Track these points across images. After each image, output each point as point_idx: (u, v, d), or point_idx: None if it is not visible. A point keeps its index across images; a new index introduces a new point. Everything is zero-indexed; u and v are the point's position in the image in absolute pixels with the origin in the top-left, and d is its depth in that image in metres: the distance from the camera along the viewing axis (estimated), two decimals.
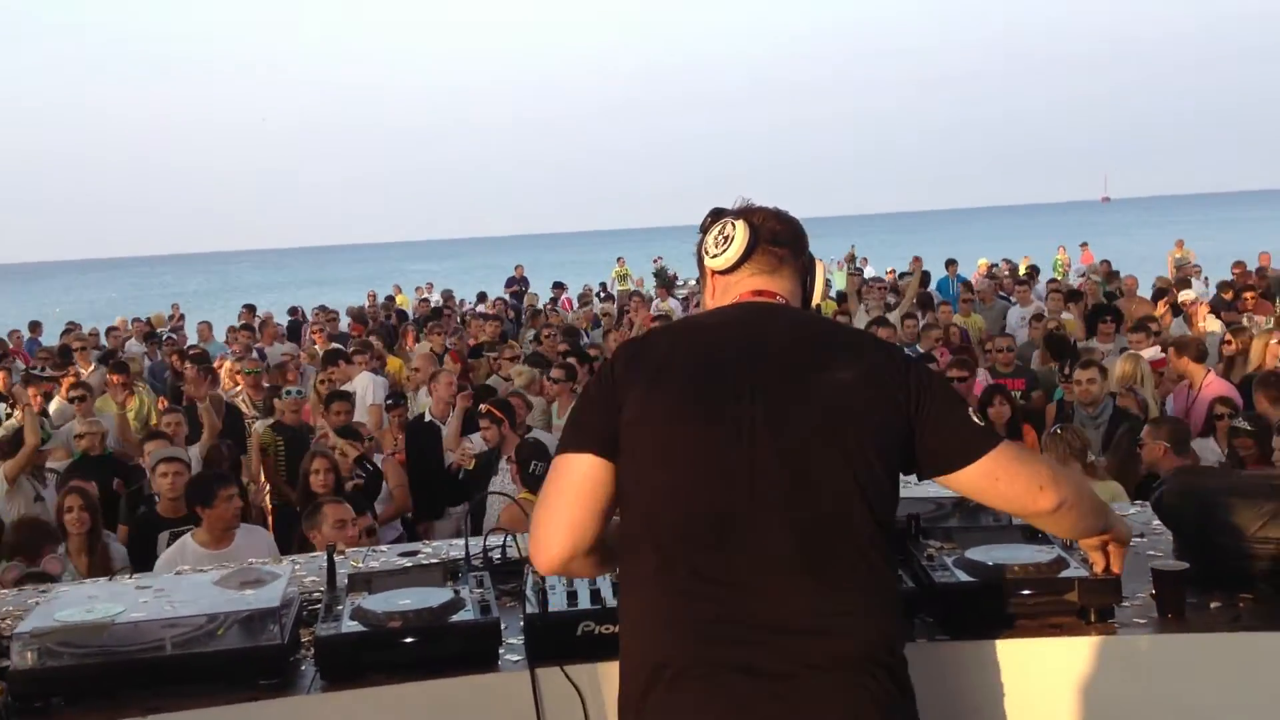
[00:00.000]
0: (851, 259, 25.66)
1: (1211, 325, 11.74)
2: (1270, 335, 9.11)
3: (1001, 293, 16.72)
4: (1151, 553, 2.96)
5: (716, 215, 2.35)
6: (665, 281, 21.69)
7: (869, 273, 25.79)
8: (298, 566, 3.35)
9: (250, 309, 19.82)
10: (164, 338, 16.49)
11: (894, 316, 13.39)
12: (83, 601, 2.55)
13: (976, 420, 2.17)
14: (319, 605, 2.78)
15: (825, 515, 2.01)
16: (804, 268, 2.35)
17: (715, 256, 2.30)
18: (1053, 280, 17.39)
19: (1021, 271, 22.10)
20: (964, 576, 2.59)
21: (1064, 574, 2.56)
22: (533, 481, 6.07)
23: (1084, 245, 28.12)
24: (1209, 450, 6.67)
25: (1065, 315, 11.98)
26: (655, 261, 24.51)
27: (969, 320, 12.54)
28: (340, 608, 2.61)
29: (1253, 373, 8.33)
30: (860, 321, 12.80)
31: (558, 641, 2.50)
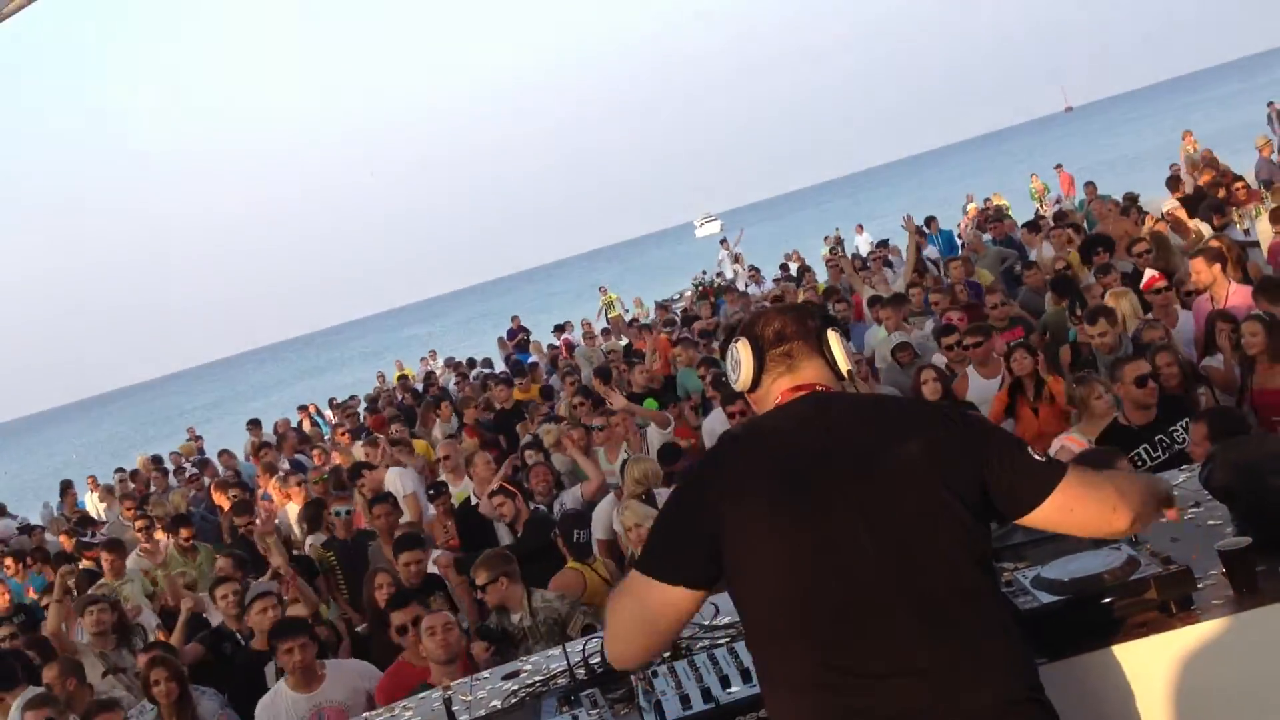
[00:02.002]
0: (839, 241, 25.64)
1: (1203, 230, 11.67)
2: None
3: (989, 236, 16.71)
4: (1211, 522, 3.08)
5: (728, 337, 2.53)
6: (703, 293, 21.60)
7: (864, 241, 25.75)
8: (410, 713, 3.48)
9: (255, 424, 19.80)
10: (187, 474, 16.48)
11: (898, 285, 13.43)
12: None
13: (1038, 458, 2.33)
14: None
15: (939, 586, 2.19)
16: (818, 347, 2.48)
17: (734, 382, 2.50)
18: (1037, 219, 17.30)
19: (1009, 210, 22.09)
20: (1046, 597, 2.71)
21: (1138, 574, 2.68)
22: (578, 550, 6.33)
23: (1058, 168, 27.99)
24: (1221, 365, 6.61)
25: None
26: (701, 274, 24.82)
27: (977, 276, 12.53)
28: None
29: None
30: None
31: None
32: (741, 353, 2.48)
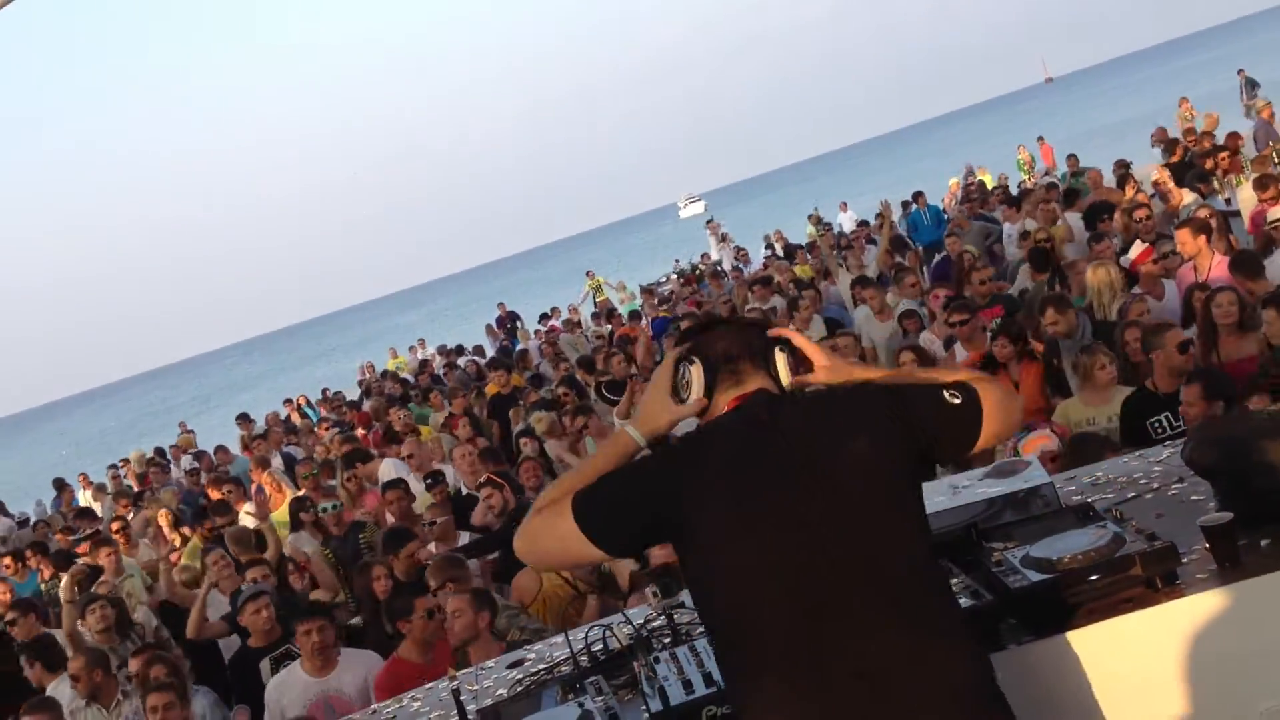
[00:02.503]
0: (818, 220, 25.63)
1: (1186, 198, 11.72)
2: None
3: (978, 212, 16.72)
4: (1195, 498, 3.16)
5: (679, 357, 2.58)
6: (685, 281, 21.69)
7: (849, 219, 25.74)
8: (418, 704, 3.56)
9: (245, 418, 19.83)
10: (185, 468, 16.50)
11: (872, 269, 13.48)
12: None
13: (956, 400, 2.51)
14: None
15: (902, 582, 2.30)
16: (764, 365, 2.56)
17: (688, 401, 2.54)
18: (1021, 191, 17.34)
19: (990, 185, 22.18)
20: (1035, 576, 2.78)
21: (1123, 551, 2.75)
22: None
23: (1040, 140, 28.05)
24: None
25: (1059, 223, 11.86)
26: (676, 264, 24.90)
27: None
28: None
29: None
30: (844, 284, 12.89)
31: None
32: (693, 373, 2.54)
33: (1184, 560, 2.78)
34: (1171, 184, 12.11)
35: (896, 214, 20.38)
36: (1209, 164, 13.58)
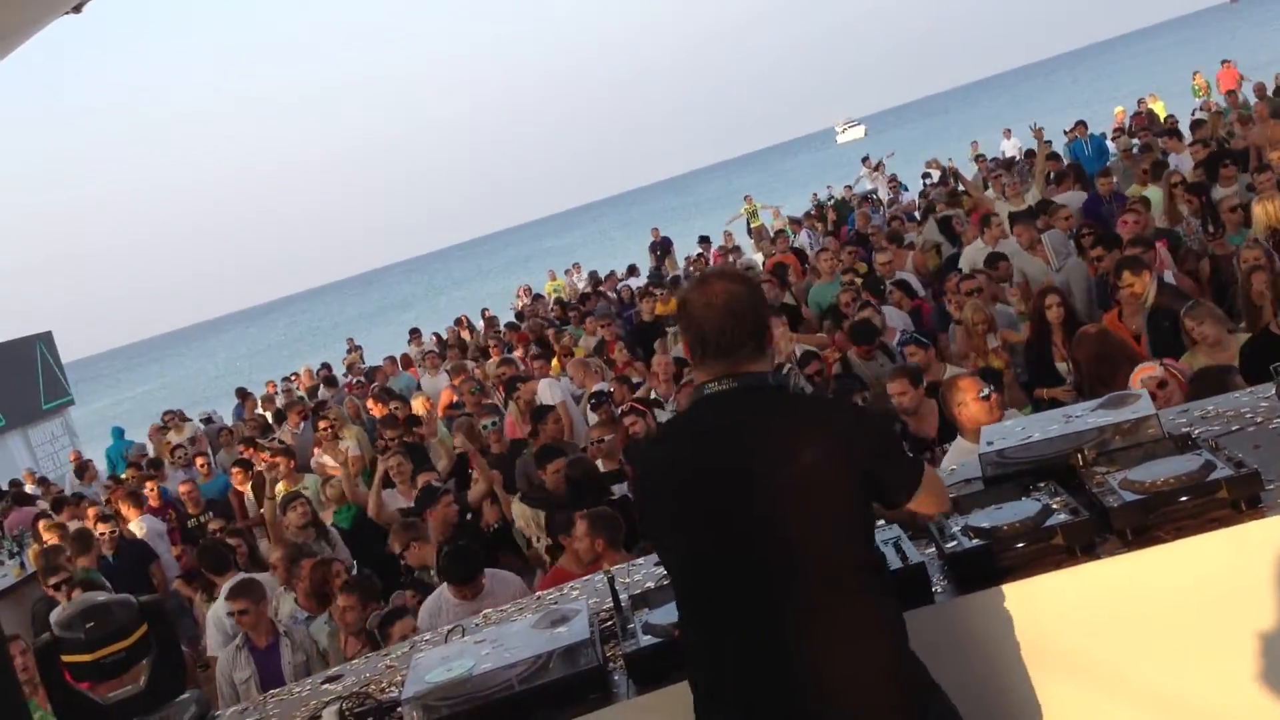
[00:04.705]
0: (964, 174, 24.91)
1: None
2: None
3: (1137, 142, 16.24)
4: None
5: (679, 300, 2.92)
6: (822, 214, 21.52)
7: (1012, 146, 24.86)
8: (576, 592, 4.05)
9: (416, 332, 20.59)
10: (346, 382, 17.24)
11: (1030, 197, 13.22)
12: (439, 663, 3.27)
13: (909, 454, 2.89)
14: (609, 623, 3.47)
15: (822, 578, 2.59)
16: (757, 343, 2.72)
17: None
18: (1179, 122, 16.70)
19: (1162, 115, 21.38)
20: (1129, 496, 3.08)
21: (1212, 476, 3.03)
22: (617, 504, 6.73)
23: (1225, 63, 26.48)
24: None
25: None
26: (814, 197, 24.68)
27: (1130, 190, 12.20)
28: (632, 625, 3.28)
29: None
30: (1002, 212, 12.66)
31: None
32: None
33: (1268, 486, 3.04)
34: None
35: (1060, 144, 19.84)
36: None
